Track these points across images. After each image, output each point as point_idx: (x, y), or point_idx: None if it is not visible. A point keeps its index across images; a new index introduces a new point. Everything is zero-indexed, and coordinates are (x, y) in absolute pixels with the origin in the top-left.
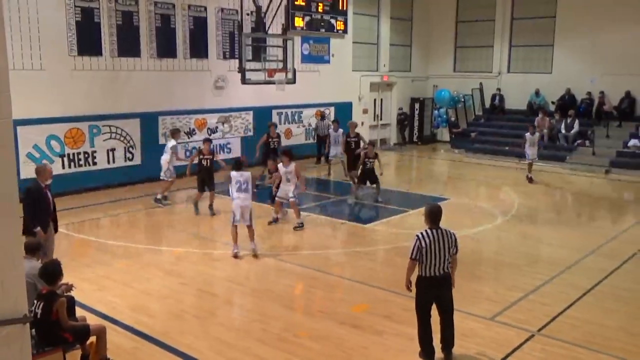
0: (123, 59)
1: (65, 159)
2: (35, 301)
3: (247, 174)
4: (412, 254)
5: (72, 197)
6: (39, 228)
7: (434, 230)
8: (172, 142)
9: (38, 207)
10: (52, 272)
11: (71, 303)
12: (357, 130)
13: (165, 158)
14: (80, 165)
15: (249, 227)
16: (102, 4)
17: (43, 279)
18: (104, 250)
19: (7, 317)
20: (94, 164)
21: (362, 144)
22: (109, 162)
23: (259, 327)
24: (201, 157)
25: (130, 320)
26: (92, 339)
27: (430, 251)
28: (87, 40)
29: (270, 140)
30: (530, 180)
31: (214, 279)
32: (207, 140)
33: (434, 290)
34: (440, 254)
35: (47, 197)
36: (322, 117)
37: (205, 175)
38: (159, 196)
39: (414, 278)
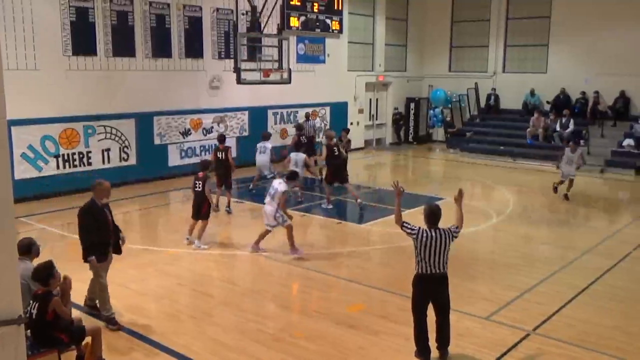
0: (118, 59)
1: (60, 160)
2: (31, 302)
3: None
4: (406, 227)
5: (67, 198)
6: (93, 257)
7: (433, 230)
8: (269, 144)
9: (95, 231)
10: (45, 273)
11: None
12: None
13: (264, 159)
14: (75, 166)
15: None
16: (96, 4)
17: (37, 281)
18: None
19: (1, 318)
20: (89, 164)
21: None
22: (104, 163)
23: (255, 327)
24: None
25: (125, 320)
26: (88, 339)
27: (429, 249)
28: (82, 40)
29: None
30: (566, 197)
31: (210, 279)
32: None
33: (430, 289)
34: (438, 253)
35: (106, 218)
36: (307, 117)
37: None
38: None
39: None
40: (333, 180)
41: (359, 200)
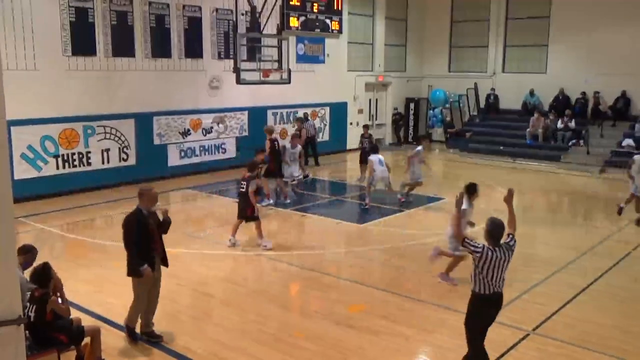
0: (117, 59)
1: (60, 160)
2: (28, 304)
3: None
4: (469, 245)
5: (66, 198)
6: (146, 266)
7: (498, 249)
8: (419, 147)
9: (143, 241)
10: (44, 275)
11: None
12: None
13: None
14: (74, 166)
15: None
16: (96, 4)
17: (35, 282)
18: (99, 251)
19: (1, 318)
20: (89, 164)
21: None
22: (103, 163)
23: (255, 327)
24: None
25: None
26: (87, 340)
27: (492, 268)
28: (82, 40)
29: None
30: (619, 211)
31: (210, 279)
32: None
33: (493, 310)
34: (500, 271)
35: (152, 228)
36: (306, 118)
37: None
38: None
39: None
40: (272, 175)
41: (287, 196)
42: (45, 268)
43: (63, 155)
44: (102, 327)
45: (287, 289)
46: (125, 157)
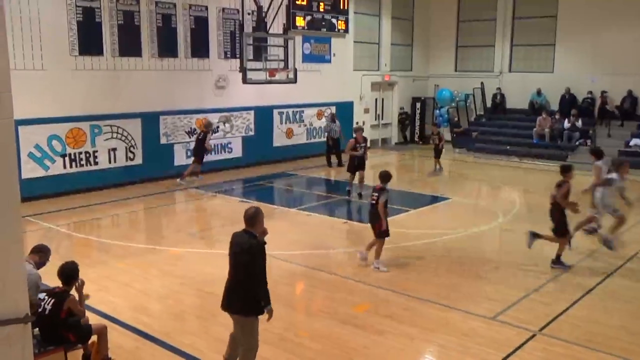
0: (124, 58)
1: (67, 159)
2: (46, 297)
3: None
4: None
5: (73, 197)
6: (270, 306)
7: None
8: (613, 175)
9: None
10: (70, 272)
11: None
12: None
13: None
14: (81, 165)
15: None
16: (103, 4)
17: (61, 279)
18: (105, 251)
19: (8, 317)
20: (95, 163)
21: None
22: (110, 162)
23: (260, 327)
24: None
25: (131, 320)
26: (94, 338)
27: None
28: (88, 40)
29: (357, 145)
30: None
31: (214, 278)
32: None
33: None
34: None
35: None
36: (333, 119)
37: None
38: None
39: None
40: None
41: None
42: (73, 267)
43: (70, 154)
44: (108, 325)
45: (292, 288)
46: (132, 156)
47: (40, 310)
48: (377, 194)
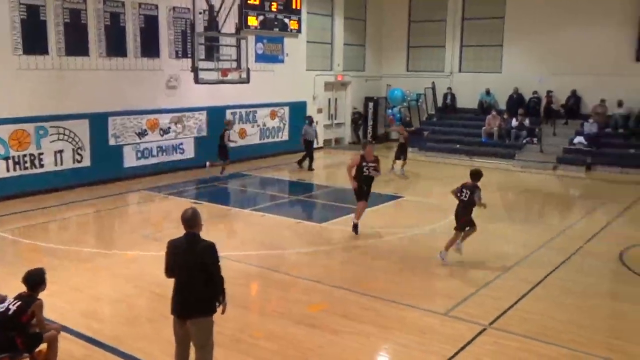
0: (71, 58)
1: (10, 162)
2: (12, 299)
3: None
4: None
5: (18, 201)
6: (226, 301)
7: None
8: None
9: None
10: (38, 278)
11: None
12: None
13: None
14: (25, 168)
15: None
16: (48, 2)
17: (26, 284)
18: (53, 255)
19: None
20: (41, 166)
21: None
22: (56, 165)
23: (213, 328)
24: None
25: (81, 326)
26: (42, 346)
27: None
28: (33, 38)
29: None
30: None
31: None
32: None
33: None
34: None
35: None
36: (310, 122)
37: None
38: None
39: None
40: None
41: None
42: (41, 273)
43: (14, 157)
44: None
45: (246, 289)
46: (79, 158)
47: (3, 310)
48: (468, 191)
